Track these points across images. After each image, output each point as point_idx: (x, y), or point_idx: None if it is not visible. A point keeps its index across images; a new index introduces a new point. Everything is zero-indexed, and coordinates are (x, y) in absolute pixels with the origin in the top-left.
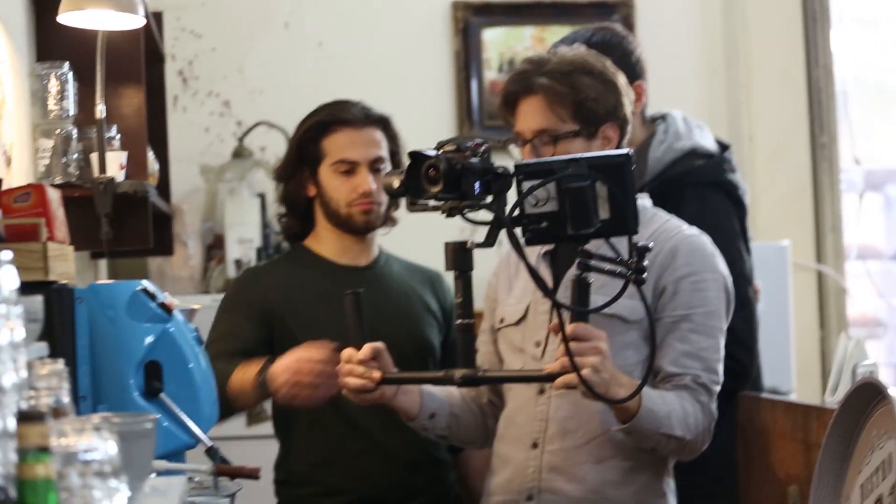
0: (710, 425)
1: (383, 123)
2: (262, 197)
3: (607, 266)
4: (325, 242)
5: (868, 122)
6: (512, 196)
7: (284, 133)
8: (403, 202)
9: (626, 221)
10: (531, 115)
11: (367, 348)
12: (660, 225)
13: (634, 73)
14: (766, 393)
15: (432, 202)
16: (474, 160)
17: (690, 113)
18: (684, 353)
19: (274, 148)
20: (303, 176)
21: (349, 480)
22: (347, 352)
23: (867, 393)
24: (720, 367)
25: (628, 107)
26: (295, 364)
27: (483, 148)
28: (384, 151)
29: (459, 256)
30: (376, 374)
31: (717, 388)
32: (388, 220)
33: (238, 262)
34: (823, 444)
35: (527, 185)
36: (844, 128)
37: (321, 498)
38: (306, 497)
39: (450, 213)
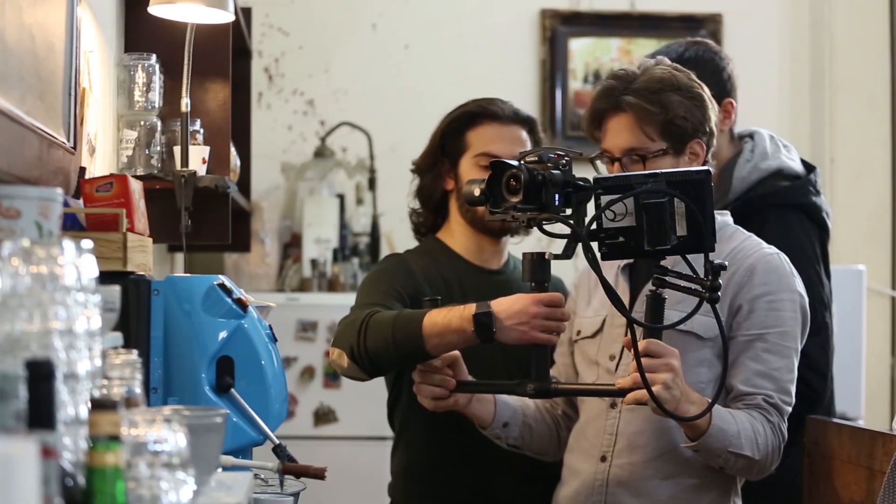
0: (780, 446)
1: (530, 124)
2: (341, 197)
3: (683, 283)
4: (460, 239)
5: None
6: (591, 209)
7: (367, 134)
8: None
9: (703, 238)
10: (619, 134)
11: (446, 357)
12: (739, 243)
13: (725, 90)
14: (835, 418)
15: (512, 212)
16: (555, 172)
17: (772, 132)
18: (757, 372)
19: (355, 149)
20: (443, 168)
21: (460, 489)
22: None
23: None
24: (793, 388)
25: (714, 119)
26: (534, 301)
27: (565, 160)
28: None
29: (537, 267)
30: (451, 382)
31: (789, 409)
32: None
33: (314, 262)
34: (889, 471)
35: (605, 199)
36: None
37: (431, 501)
38: (418, 497)
39: (528, 224)
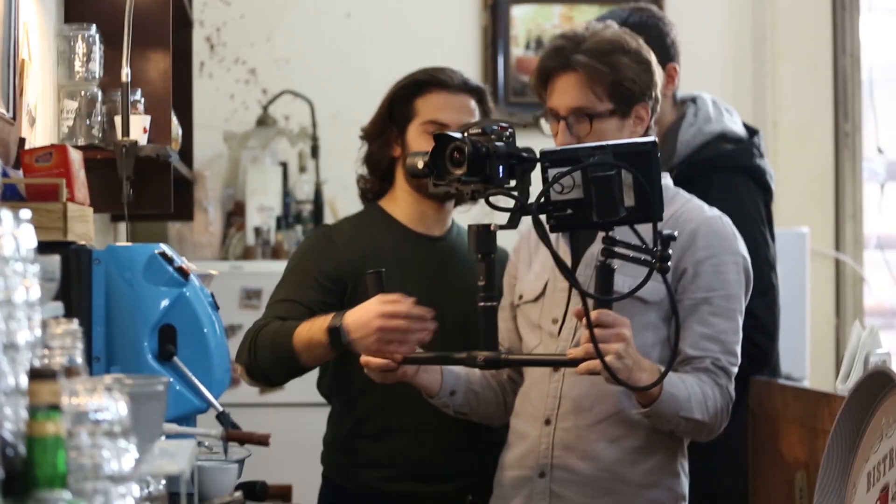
0: (727, 406)
1: (479, 94)
2: (284, 165)
3: (632, 253)
4: (402, 206)
5: (893, 112)
6: (536, 180)
7: (309, 103)
8: None
9: (651, 209)
10: (567, 93)
11: None
12: (681, 206)
13: (668, 55)
14: (781, 379)
15: (456, 184)
16: (499, 144)
17: (715, 96)
18: (704, 335)
19: (298, 117)
20: (390, 135)
21: (390, 455)
22: None
23: (878, 381)
24: (738, 349)
25: (659, 85)
26: (377, 315)
27: (508, 132)
28: (473, 119)
29: (483, 239)
30: (398, 355)
31: (736, 370)
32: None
33: (258, 230)
34: (832, 431)
35: (552, 172)
36: (869, 117)
37: (362, 469)
38: (347, 466)
39: (473, 197)
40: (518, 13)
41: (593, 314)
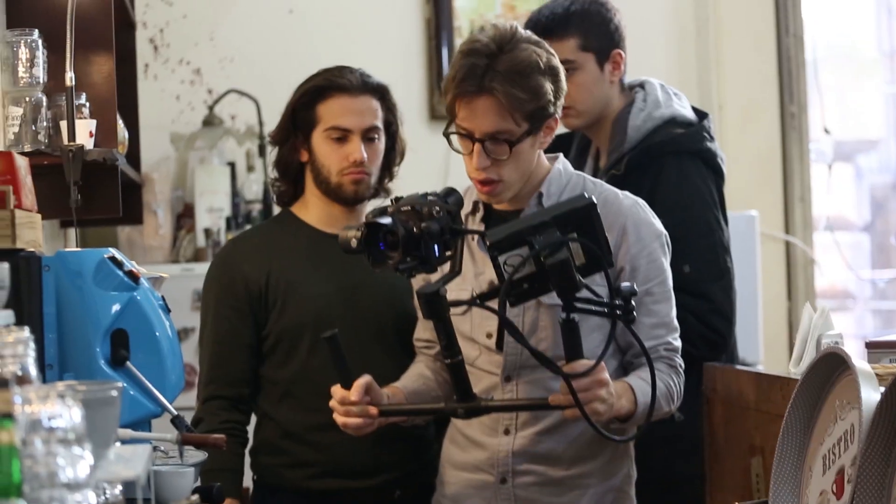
0: (683, 382)
1: (381, 92)
2: (232, 165)
3: (594, 308)
4: (313, 210)
5: (839, 92)
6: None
7: (255, 101)
8: (400, 169)
9: (601, 260)
10: (486, 117)
11: (358, 387)
12: (601, 200)
13: (613, 41)
14: (738, 364)
15: (392, 265)
16: (432, 224)
17: (661, 80)
18: (653, 325)
19: (244, 116)
20: (296, 141)
21: (313, 453)
22: (340, 394)
23: (831, 363)
24: (676, 320)
25: (565, 91)
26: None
27: (438, 208)
28: (379, 121)
29: (434, 305)
30: (373, 410)
31: (679, 341)
32: (381, 191)
33: (207, 231)
34: (786, 414)
35: (502, 259)
36: (814, 97)
37: (288, 469)
38: (274, 467)
39: (411, 275)
40: (460, 4)
41: (569, 368)
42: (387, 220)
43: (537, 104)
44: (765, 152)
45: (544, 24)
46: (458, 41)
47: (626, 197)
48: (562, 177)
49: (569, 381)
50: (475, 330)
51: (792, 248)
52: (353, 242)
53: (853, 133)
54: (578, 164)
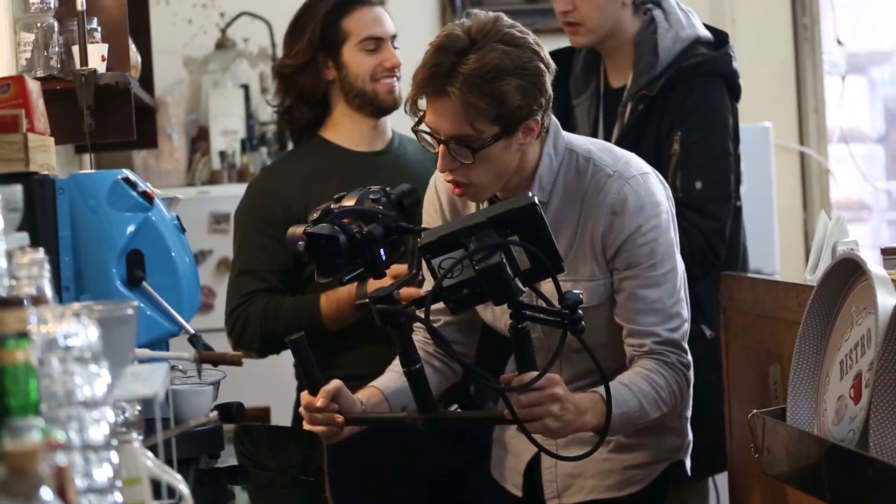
0: (685, 376)
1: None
2: (245, 88)
3: (542, 316)
4: (342, 130)
5: (851, 4)
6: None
7: (267, 23)
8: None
9: (549, 266)
10: (446, 119)
11: (324, 394)
12: (589, 178)
13: None
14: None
15: (341, 274)
16: (375, 228)
17: None
18: (637, 311)
19: (257, 38)
20: (320, 62)
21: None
22: (306, 399)
23: (847, 269)
24: (680, 308)
25: (550, 81)
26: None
27: (381, 207)
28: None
29: (388, 312)
30: (339, 419)
31: (683, 330)
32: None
33: (223, 154)
34: (803, 321)
35: (436, 262)
36: (827, 9)
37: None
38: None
39: (363, 278)
40: None
41: (517, 380)
42: (325, 231)
43: (500, 110)
44: (778, 65)
45: None
46: None
47: (618, 177)
48: (552, 162)
49: (505, 397)
50: (497, 321)
51: (807, 159)
52: (301, 247)
53: (866, 45)
54: (585, 81)
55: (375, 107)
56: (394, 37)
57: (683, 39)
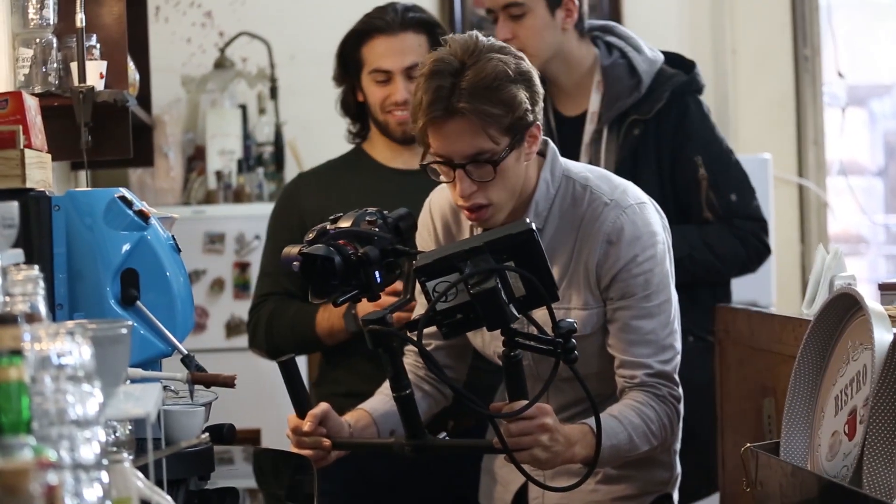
0: (675, 409)
1: (426, 27)
2: (243, 108)
3: (534, 344)
4: (378, 147)
5: (852, 36)
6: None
7: (266, 43)
8: None
9: (543, 294)
10: (461, 139)
11: (311, 418)
12: (586, 206)
13: None
14: (745, 305)
15: (336, 296)
16: (370, 250)
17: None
18: (630, 342)
19: (255, 59)
20: (351, 83)
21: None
22: (294, 422)
23: (844, 304)
24: (673, 339)
25: (539, 87)
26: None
27: (377, 229)
28: (421, 57)
29: (381, 335)
30: (326, 442)
31: (675, 363)
32: None
33: (219, 174)
34: (799, 355)
35: (431, 285)
36: (828, 41)
37: (342, 398)
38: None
39: (357, 300)
40: None
41: (508, 408)
42: (320, 251)
43: (513, 116)
44: (778, 96)
45: None
46: None
47: (615, 205)
48: (549, 189)
49: (495, 424)
50: (486, 347)
51: (805, 192)
52: (295, 265)
53: (867, 77)
54: None
55: (389, 136)
56: (411, 67)
57: (654, 61)
